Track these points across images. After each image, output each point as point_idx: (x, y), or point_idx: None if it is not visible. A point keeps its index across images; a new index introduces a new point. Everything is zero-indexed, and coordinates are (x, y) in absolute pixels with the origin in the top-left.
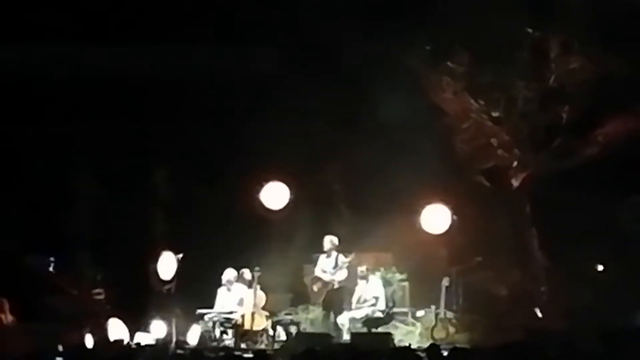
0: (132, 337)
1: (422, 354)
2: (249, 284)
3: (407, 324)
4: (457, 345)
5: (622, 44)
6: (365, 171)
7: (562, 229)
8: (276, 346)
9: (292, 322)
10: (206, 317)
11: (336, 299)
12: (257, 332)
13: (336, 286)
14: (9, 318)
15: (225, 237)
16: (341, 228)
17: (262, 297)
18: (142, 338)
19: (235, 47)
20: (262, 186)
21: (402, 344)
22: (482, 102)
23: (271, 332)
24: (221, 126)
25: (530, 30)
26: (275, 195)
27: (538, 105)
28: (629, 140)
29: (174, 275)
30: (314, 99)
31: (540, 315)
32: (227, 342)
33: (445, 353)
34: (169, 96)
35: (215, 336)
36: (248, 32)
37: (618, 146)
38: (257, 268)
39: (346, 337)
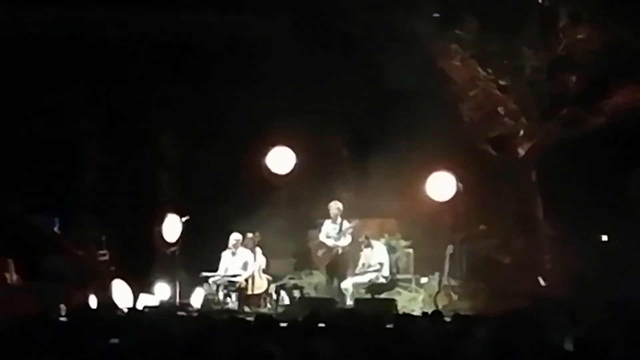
0: (135, 298)
1: (425, 321)
2: (253, 248)
3: (410, 291)
4: (460, 313)
5: (631, 14)
6: (372, 137)
7: (567, 198)
8: (279, 310)
9: (296, 287)
10: (210, 280)
11: (340, 264)
12: (260, 295)
13: (340, 252)
14: (14, 278)
15: (231, 201)
16: (347, 194)
17: (263, 260)
18: (146, 300)
19: (243, 11)
20: (268, 150)
21: (405, 311)
22: (489, 70)
23: (275, 296)
24: (228, 90)
25: None
26: (281, 160)
27: (546, 74)
28: (636, 110)
29: (179, 238)
30: (320, 65)
31: (543, 283)
32: (230, 306)
33: (447, 320)
34: (177, 60)
35: (218, 299)
36: None
37: (625, 116)
38: (257, 233)
39: (349, 302)
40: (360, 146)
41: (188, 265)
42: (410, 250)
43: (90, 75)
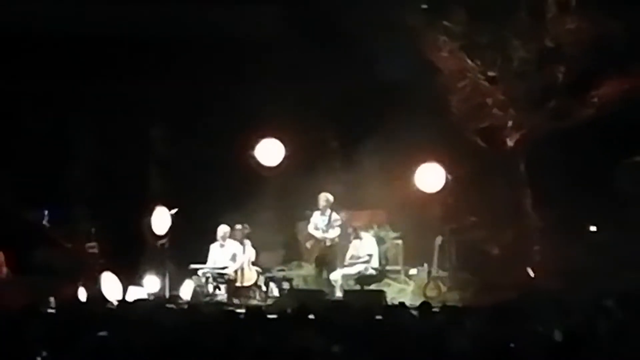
0: (125, 291)
1: (414, 312)
2: (241, 240)
3: (399, 282)
4: (449, 304)
5: (620, 5)
6: (361, 129)
7: (556, 190)
8: (269, 302)
9: (285, 279)
10: (199, 273)
11: (329, 256)
12: (249, 287)
13: (329, 243)
14: (3, 270)
15: (220, 193)
16: (335, 185)
17: (252, 252)
18: (135, 292)
19: (232, 5)
20: (257, 143)
21: (394, 302)
22: (478, 62)
23: (264, 288)
24: (217, 82)
25: None
26: (270, 151)
27: (534, 65)
28: (625, 102)
29: (168, 231)
30: (309, 57)
31: (532, 275)
32: (219, 298)
33: (436, 311)
34: (166, 54)
35: (208, 291)
36: None
37: (613, 107)
38: (246, 225)
39: (339, 294)
40: (348, 138)
41: (177, 257)
42: (400, 242)
43: (79, 68)
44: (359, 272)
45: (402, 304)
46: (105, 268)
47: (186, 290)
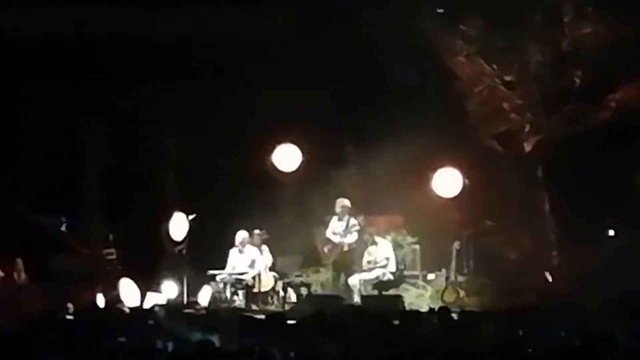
0: (143, 297)
1: (432, 317)
2: (259, 246)
3: (417, 287)
4: (467, 309)
5: (636, 8)
6: (378, 134)
7: (573, 194)
8: (287, 307)
9: (303, 284)
10: (217, 278)
11: (347, 261)
12: (267, 292)
13: (346, 249)
14: (22, 277)
15: (238, 199)
16: (353, 191)
17: (269, 258)
18: (154, 298)
19: (251, 7)
20: (274, 148)
21: (412, 307)
22: (495, 66)
23: (282, 294)
24: (234, 88)
25: None
26: (287, 157)
27: (551, 69)
28: None
29: (186, 236)
30: (326, 62)
31: (550, 279)
32: (237, 303)
33: (454, 316)
34: (183, 58)
35: (226, 297)
36: None
37: (631, 111)
38: (263, 230)
39: (356, 299)
40: (366, 143)
41: (195, 263)
42: (417, 247)
43: (96, 75)
44: (377, 277)
45: (420, 309)
46: (124, 274)
47: (204, 296)
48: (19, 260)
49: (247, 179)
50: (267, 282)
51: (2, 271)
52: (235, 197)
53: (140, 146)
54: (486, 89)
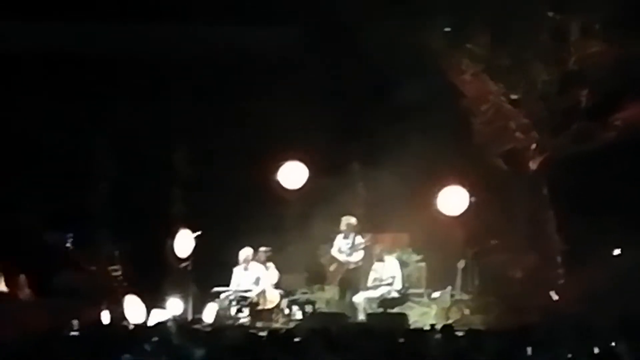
0: (148, 314)
1: (437, 335)
2: (265, 263)
3: (422, 305)
4: (472, 327)
5: None
6: (384, 152)
7: (579, 213)
8: (292, 325)
9: (308, 302)
10: (222, 296)
11: (352, 279)
12: (272, 310)
13: (352, 267)
14: (26, 293)
15: (243, 216)
16: (358, 209)
17: (275, 275)
18: (159, 315)
19: (255, 26)
20: (279, 165)
21: (417, 325)
22: (501, 85)
23: (287, 311)
24: (240, 105)
25: (550, 13)
26: (293, 174)
27: (557, 88)
28: None
29: (191, 253)
30: (332, 79)
31: (555, 298)
32: (242, 321)
33: (460, 334)
34: (189, 75)
35: (231, 314)
36: (268, 11)
37: (636, 130)
38: (268, 248)
39: (362, 317)
40: (371, 161)
41: (200, 280)
42: (422, 265)
43: (104, 91)
44: (382, 295)
45: (425, 327)
46: (129, 291)
47: (209, 314)
48: (24, 277)
49: (253, 196)
50: (272, 299)
51: (8, 287)
52: (240, 214)
53: (146, 163)
54: (492, 108)
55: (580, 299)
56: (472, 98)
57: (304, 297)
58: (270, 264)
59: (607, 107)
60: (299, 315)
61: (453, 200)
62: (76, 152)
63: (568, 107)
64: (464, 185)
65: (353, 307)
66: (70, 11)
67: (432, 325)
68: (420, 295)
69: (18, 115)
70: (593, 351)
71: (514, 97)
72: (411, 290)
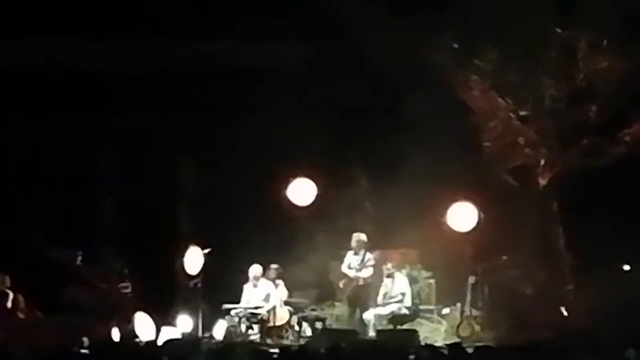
0: (158, 331)
1: (447, 352)
2: (274, 280)
3: (432, 322)
4: (483, 343)
5: None
6: (393, 168)
7: (588, 229)
8: (302, 342)
9: (318, 318)
10: (232, 312)
11: (362, 295)
12: (282, 327)
13: (362, 283)
14: (35, 310)
15: (252, 232)
16: (368, 225)
17: (284, 292)
18: (169, 332)
19: (263, 41)
20: (289, 182)
21: (427, 341)
22: (509, 101)
23: (297, 328)
24: (249, 121)
25: (558, 29)
26: (302, 191)
27: (566, 104)
28: None
29: (201, 270)
30: (341, 96)
31: (566, 314)
32: (252, 337)
33: (470, 351)
34: (198, 91)
35: (241, 331)
36: (275, 27)
37: None
38: (278, 265)
39: (372, 333)
40: (381, 177)
41: (210, 297)
42: (432, 281)
43: (111, 107)
44: (392, 312)
45: (435, 343)
46: (139, 308)
47: (219, 330)
48: (32, 293)
49: (263, 213)
50: (282, 316)
51: (18, 304)
52: (250, 231)
53: (155, 180)
54: (501, 124)
55: (590, 314)
56: (481, 114)
57: (313, 314)
58: (280, 281)
59: (616, 122)
60: (308, 332)
61: (462, 216)
62: (86, 169)
63: (577, 123)
64: (473, 201)
65: (363, 324)
66: (76, 27)
67: (442, 342)
68: (431, 311)
69: (28, 132)
70: None
71: (523, 113)
72: (421, 307)
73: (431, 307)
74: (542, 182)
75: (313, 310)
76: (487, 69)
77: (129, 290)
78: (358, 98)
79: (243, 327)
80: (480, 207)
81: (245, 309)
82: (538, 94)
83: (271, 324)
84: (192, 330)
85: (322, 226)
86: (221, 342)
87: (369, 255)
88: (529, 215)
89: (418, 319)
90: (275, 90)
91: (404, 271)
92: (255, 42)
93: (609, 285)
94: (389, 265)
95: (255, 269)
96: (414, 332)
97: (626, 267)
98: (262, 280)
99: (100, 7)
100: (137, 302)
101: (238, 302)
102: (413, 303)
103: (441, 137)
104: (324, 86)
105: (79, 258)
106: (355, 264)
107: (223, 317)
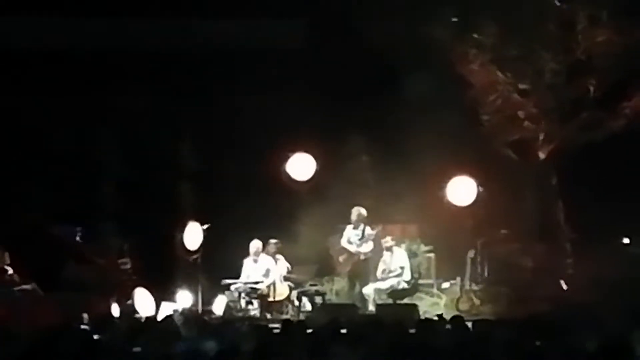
0: (157, 306)
1: (447, 325)
2: (274, 255)
3: (432, 296)
4: (482, 317)
5: None
6: (392, 143)
7: (588, 202)
8: (301, 316)
9: (318, 293)
10: (232, 288)
11: (362, 270)
12: (281, 302)
13: (362, 258)
14: (35, 287)
15: (252, 207)
16: (367, 200)
17: (284, 267)
18: (168, 308)
19: (261, 18)
20: (288, 157)
21: (426, 315)
22: (509, 74)
23: (296, 303)
24: (247, 97)
25: (557, 2)
26: (301, 166)
27: (565, 77)
28: None
29: (200, 246)
30: (339, 71)
31: (565, 287)
32: (252, 313)
33: (469, 324)
34: (195, 68)
35: (240, 306)
36: (273, 5)
37: None
38: (278, 240)
39: (371, 308)
40: (380, 152)
41: (210, 272)
42: (432, 255)
43: (109, 85)
44: (392, 286)
45: (434, 317)
46: (138, 284)
47: (219, 306)
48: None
49: (262, 188)
50: (282, 291)
51: (17, 281)
52: (249, 207)
53: (154, 156)
54: (500, 97)
55: (589, 288)
56: (480, 88)
57: (313, 289)
58: (280, 256)
59: (615, 96)
60: (308, 306)
61: (462, 190)
62: (84, 147)
63: (576, 96)
64: (472, 176)
65: (362, 298)
66: (75, 6)
67: (442, 316)
68: (430, 285)
69: (26, 112)
70: (604, 341)
71: (522, 86)
72: (420, 281)
73: (430, 281)
74: (542, 155)
75: (313, 285)
76: (486, 43)
77: (128, 266)
78: (356, 74)
79: (243, 303)
80: (480, 181)
81: (245, 284)
82: (537, 67)
83: (271, 299)
84: (192, 305)
85: (322, 201)
86: (221, 317)
87: (368, 230)
88: (529, 189)
89: (417, 293)
90: (274, 67)
91: (403, 245)
92: (254, 20)
93: (609, 258)
94: (388, 239)
95: (255, 244)
96: (413, 307)
97: (625, 241)
98: (262, 256)
99: None
100: (137, 278)
101: (238, 277)
102: (412, 277)
103: (441, 111)
104: (323, 64)
105: (79, 234)
106: (355, 239)
107: (223, 293)
